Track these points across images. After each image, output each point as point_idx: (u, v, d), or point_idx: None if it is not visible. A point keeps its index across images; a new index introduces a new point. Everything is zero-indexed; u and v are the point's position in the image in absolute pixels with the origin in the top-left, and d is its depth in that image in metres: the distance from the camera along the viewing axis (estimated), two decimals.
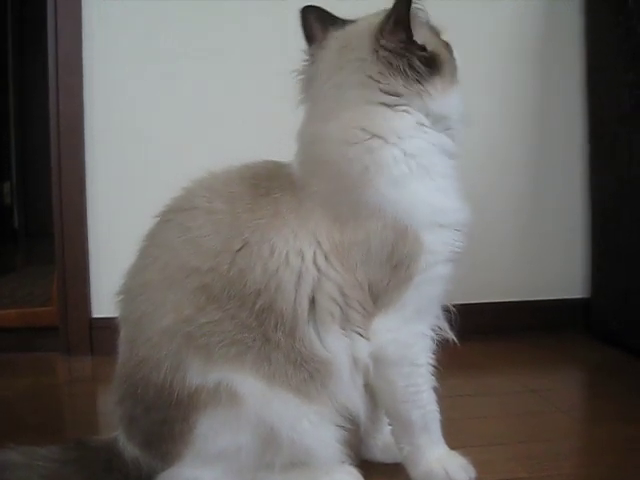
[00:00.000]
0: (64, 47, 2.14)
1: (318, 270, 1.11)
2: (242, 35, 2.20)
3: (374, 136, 1.13)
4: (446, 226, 1.14)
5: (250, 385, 1.08)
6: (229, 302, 1.09)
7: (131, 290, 1.18)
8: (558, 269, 2.39)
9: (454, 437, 1.24)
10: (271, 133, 2.13)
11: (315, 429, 1.10)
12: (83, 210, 2.17)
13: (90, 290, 2.18)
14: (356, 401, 1.14)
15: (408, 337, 1.15)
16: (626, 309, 2.10)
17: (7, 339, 2.23)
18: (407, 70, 1.13)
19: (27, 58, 5.01)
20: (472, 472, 1.19)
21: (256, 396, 1.07)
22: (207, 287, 1.09)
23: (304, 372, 1.10)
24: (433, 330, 1.19)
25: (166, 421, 1.09)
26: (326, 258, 1.11)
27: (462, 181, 1.21)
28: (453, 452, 1.21)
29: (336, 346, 1.11)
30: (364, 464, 1.24)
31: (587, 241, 2.36)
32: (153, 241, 1.19)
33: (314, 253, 1.11)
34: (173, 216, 1.18)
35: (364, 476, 1.17)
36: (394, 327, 1.14)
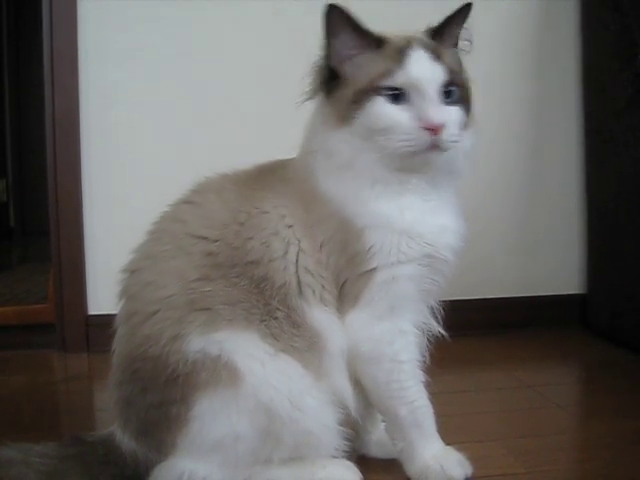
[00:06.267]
0: (60, 45, 2.14)
1: (298, 241, 1.15)
2: (240, 33, 2.20)
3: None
4: (396, 230, 1.13)
5: (252, 356, 1.08)
6: (232, 270, 1.13)
7: (135, 264, 1.20)
8: (554, 265, 2.39)
9: (450, 433, 1.24)
10: (269, 130, 2.14)
11: (317, 407, 1.10)
12: (79, 208, 2.17)
13: (86, 287, 2.18)
14: (346, 388, 1.15)
15: (384, 334, 1.15)
16: (622, 305, 2.11)
17: (3, 336, 2.22)
18: (312, 75, 1.19)
19: (23, 56, 5.00)
20: (468, 468, 1.19)
21: (256, 374, 1.07)
22: (213, 255, 1.14)
23: (305, 339, 1.12)
24: (418, 327, 1.18)
25: (163, 403, 1.09)
26: (303, 231, 1.16)
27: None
28: (449, 448, 1.21)
29: (324, 320, 1.14)
30: (361, 459, 1.24)
31: (583, 237, 2.36)
32: (165, 218, 1.23)
33: (294, 224, 1.16)
34: (186, 198, 1.24)
35: (361, 471, 1.17)
36: (366, 324, 1.15)
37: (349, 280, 1.15)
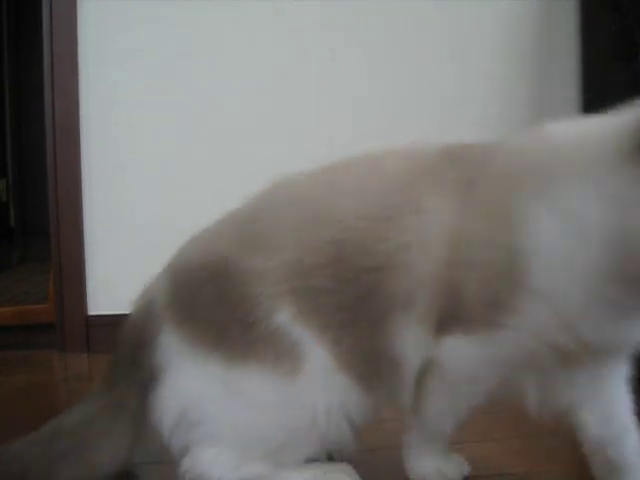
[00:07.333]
0: (60, 46, 2.14)
1: (439, 256, 0.98)
2: (240, 33, 2.20)
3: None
4: (560, 313, 0.94)
5: (316, 364, 1.02)
6: (345, 273, 1.01)
7: (257, 214, 1.10)
8: None
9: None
10: (269, 131, 2.14)
11: (351, 431, 1.06)
12: (79, 208, 2.17)
13: (86, 287, 2.18)
14: (409, 405, 1.10)
15: (483, 368, 1.04)
16: None
17: (3, 336, 2.23)
18: None
19: (23, 56, 4.99)
20: (466, 469, 1.19)
21: (316, 378, 1.02)
22: (335, 245, 1.01)
23: (378, 364, 1.04)
24: None
25: (233, 321, 1.02)
26: (452, 246, 0.98)
27: None
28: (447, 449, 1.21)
29: (413, 343, 1.02)
30: (359, 461, 1.24)
31: None
32: (318, 175, 1.11)
33: (449, 236, 0.98)
34: (349, 160, 1.10)
35: (361, 472, 1.17)
36: (471, 358, 1.02)
37: (474, 315, 0.99)
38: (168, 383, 1.07)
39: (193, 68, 2.19)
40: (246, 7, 2.20)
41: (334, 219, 1.03)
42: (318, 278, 1.01)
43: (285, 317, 1.01)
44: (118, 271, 2.10)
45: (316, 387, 1.02)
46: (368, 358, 1.03)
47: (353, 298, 1.01)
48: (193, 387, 1.06)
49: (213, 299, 1.04)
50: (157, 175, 2.16)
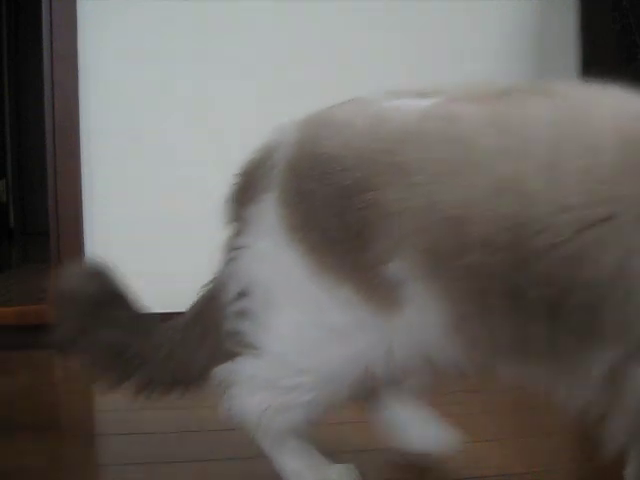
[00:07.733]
0: (59, 46, 2.14)
1: None
2: (240, 35, 2.20)
3: None
4: None
5: (423, 316, 0.88)
6: (531, 271, 0.76)
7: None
8: None
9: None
10: (269, 131, 2.14)
11: None
12: (79, 208, 2.17)
13: None
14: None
15: None
16: None
17: (3, 336, 2.22)
18: None
19: (22, 57, 5.00)
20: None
21: (415, 325, 0.89)
22: (521, 227, 0.75)
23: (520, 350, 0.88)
24: None
25: (345, 239, 0.90)
26: None
27: None
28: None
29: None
30: (360, 461, 1.24)
31: None
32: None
33: None
34: (529, 104, 0.83)
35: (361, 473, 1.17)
36: None
37: None
38: (248, 245, 0.99)
39: (193, 68, 2.19)
40: (246, 7, 2.20)
41: (520, 192, 0.76)
42: (479, 257, 0.78)
43: (403, 271, 0.85)
44: (118, 271, 2.10)
45: (405, 336, 0.90)
46: (511, 343, 0.86)
47: (530, 300, 0.78)
48: (270, 268, 0.96)
49: (333, 205, 0.90)
50: (157, 175, 2.16)
